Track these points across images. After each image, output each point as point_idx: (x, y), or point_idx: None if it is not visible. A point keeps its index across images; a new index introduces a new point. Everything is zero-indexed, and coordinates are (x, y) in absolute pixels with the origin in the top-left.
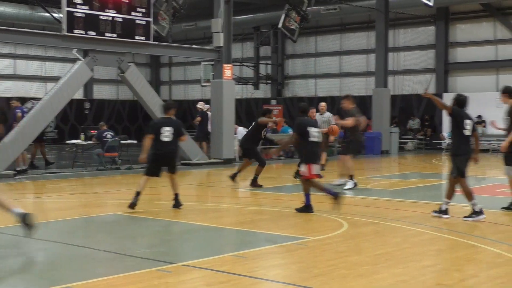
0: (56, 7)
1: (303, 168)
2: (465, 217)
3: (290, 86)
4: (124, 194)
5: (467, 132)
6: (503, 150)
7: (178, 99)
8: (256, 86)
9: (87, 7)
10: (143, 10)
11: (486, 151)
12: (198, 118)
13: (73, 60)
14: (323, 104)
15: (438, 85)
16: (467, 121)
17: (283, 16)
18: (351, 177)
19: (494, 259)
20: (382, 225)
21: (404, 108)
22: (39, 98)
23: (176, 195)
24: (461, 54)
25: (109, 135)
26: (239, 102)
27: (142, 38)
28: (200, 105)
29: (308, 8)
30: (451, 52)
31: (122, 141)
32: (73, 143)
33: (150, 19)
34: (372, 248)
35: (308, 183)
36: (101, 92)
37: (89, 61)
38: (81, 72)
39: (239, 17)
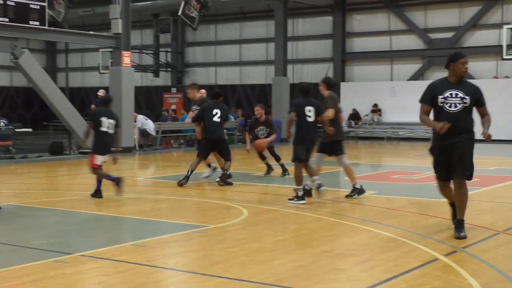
0: None
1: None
2: (289, 199)
3: (191, 74)
4: (19, 184)
5: (310, 119)
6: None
7: (76, 86)
8: (156, 74)
9: None
10: None
11: (382, 138)
12: (93, 106)
13: None
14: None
15: (336, 74)
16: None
17: (182, 4)
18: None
19: (387, 243)
20: (281, 212)
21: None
22: None
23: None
24: (357, 44)
25: (2, 123)
26: (139, 90)
27: (37, 23)
28: (101, 92)
29: None
30: (348, 42)
31: (17, 130)
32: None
33: (45, 4)
34: (272, 235)
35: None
36: None
37: None
38: None
39: (138, 3)
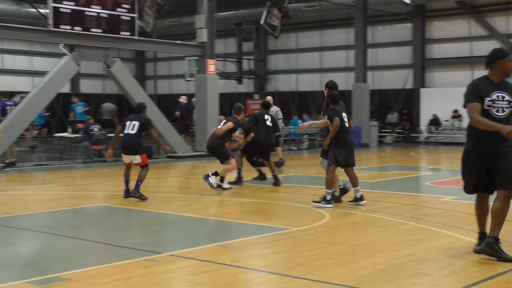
0: (42, 3)
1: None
2: (315, 201)
3: (272, 81)
4: (110, 186)
5: (347, 124)
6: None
7: (163, 93)
8: (239, 81)
9: (72, 3)
10: (128, 6)
11: (462, 144)
12: (177, 113)
13: (60, 55)
14: (269, 97)
15: (416, 80)
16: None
17: (264, 13)
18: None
19: (469, 248)
20: (362, 216)
21: (383, 102)
22: (27, 92)
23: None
24: (437, 50)
25: (96, 128)
26: (223, 96)
27: (127, 33)
28: (183, 99)
29: (289, 5)
30: (427, 48)
31: (108, 134)
32: (61, 136)
33: (135, 15)
34: (353, 238)
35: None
36: (87, 86)
37: (75, 56)
38: (67, 67)
39: (222, 13)
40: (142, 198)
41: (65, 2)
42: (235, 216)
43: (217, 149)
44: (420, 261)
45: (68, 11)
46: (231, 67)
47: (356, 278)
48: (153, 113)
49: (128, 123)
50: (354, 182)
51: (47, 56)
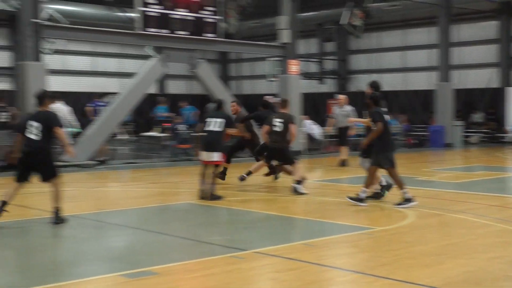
0: (131, 7)
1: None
2: (397, 203)
3: (354, 81)
4: (196, 184)
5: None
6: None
7: (246, 93)
8: (321, 81)
9: (160, 7)
10: (212, 8)
11: None
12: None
13: (147, 57)
14: (342, 96)
15: (502, 79)
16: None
17: (346, 13)
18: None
19: None
20: (447, 217)
21: (468, 102)
22: (117, 93)
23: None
24: None
25: (182, 127)
26: (305, 96)
27: (212, 35)
28: (267, 99)
29: (371, 5)
30: None
31: (192, 134)
32: (148, 136)
33: (219, 17)
34: (438, 239)
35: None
36: (174, 87)
37: (163, 58)
38: (154, 69)
39: (303, 14)
40: (220, 198)
41: (152, 6)
42: (318, 215)
43: (285, 152)
44: (509, 264)
45: (156, 14)
46: (313, 67)
47: (442, 280)
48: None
49: (210, 120)
50: (400, 183)
51: (135, 58)
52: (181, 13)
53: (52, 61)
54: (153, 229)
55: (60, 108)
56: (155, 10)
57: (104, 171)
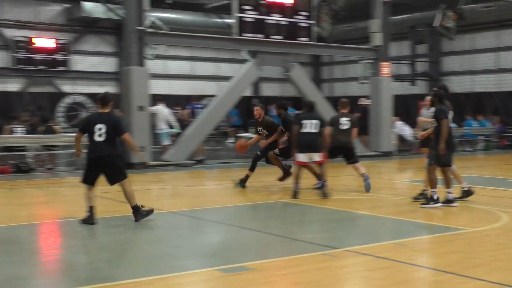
0: (227, 13)
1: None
2: (422, 204)
3: (446, 82)
4: (288, 183)
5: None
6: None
7: (338, 96)
8: (413, 83)
9: (255, 13)
10: (305, 13)
11: None
12: (357, 114)
13: (243, 61)
14: (428, 98)
15: None
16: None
17: (439, 15)
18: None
19: None
20: None
21: None
22: (213, 96)
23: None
24: None
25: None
26: (396, 98)
27: (305, 39)
28: (363, 101)
29: (464, 7)
30: None
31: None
32: (244, 136)
33: (312, 22)
34: None
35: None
36: (268, 90)
37: (257, 62)
38: (250, 72)
39: (395, 17)
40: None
41: (248, 12)
42: (410, 215)
43: (353, 150)
44: None
45: (251, 20)
46: (405, 69)
47: None
48: (330, 115)
49: (306, 122)
50: (448, 183)
51: (231, 62)
52: (275, 18)
53: (153, 65)
54: (246, 226)
55: (161, 110)
56: (251, 15)
57: (201, 170)
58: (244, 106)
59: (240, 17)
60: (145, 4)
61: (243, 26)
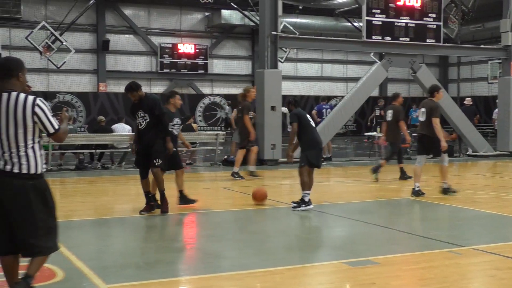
0: (356, 17)
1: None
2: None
3: None
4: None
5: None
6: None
7: (465, 96)
8: None
9: (383, 16)
10: (434, 15)
11: None
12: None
13: (370, 63)
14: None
15: None
16: None
17: None
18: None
19: None
20: None
21: None
22: (342, 97)
23: None
24: None
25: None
26: None
27: (433, 40)
28: (467, 101)
29: None
30: None
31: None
32: (369, 135)
33: (440, 23)
34: None
35: None
36: (394, 90)
37: (385, 63)
38: (377, 73)
39: None
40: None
41: (377, 15)
42: None
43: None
44: None
45: (380, 23)
46: None
47: None
48: (455, 114)
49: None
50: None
51: (359, 64)
52: (404, 21)
53: (285, 68)
54: (372, 221)
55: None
56: (379, 19)
57: (329, 167)
58: (372, 106)
59: (369, 20)
60: (278, 10)
61: (372, 29)
